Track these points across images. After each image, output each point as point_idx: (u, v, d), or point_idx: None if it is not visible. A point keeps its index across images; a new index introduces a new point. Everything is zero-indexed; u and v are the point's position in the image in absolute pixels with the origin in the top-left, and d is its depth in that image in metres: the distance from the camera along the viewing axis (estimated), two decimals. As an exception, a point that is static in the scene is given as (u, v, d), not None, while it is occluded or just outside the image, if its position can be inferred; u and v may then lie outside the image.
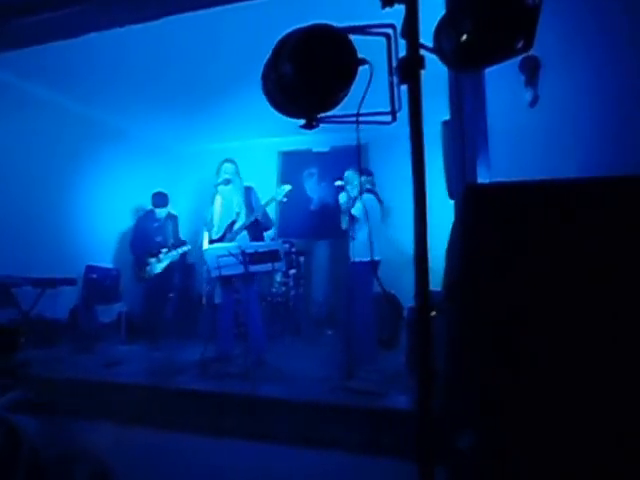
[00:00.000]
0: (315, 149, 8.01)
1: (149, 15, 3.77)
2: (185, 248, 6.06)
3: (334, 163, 7.46)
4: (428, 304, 1.36)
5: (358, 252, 4.43)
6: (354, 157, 7.74)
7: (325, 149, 7.90)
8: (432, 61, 1.54)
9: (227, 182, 4.68)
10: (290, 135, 7.94)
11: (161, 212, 6.32)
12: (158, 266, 6.00)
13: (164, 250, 6.03)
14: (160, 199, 6.34)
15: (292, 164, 8.20)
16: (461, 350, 1.43)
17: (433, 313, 3.46)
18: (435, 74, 3.12)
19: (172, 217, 6.45)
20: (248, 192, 4.83)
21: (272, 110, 1.54)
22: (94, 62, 5.24)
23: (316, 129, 5.88)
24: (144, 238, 6.24)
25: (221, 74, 5.46)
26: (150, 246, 6.12)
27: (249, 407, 3.32)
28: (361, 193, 4.67)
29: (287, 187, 4.69)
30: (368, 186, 4.81)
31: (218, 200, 4.81)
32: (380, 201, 4.79)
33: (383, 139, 6.62)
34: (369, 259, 4.40)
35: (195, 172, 8.10)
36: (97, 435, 3.15)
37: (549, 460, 1.21)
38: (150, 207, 6.41)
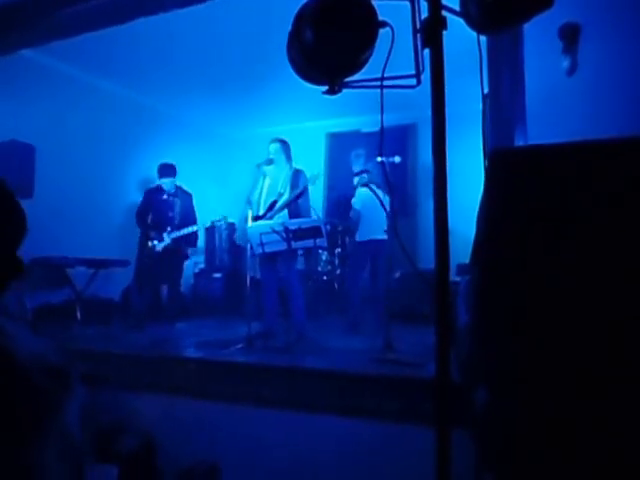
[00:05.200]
0: (364, 129, 7.97)
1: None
2: (191, 228, 5.84)
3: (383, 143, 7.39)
4: (447, 270, 1.34)
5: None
6: (403, 137, 7.68)
7: (374, 129, 7.83)
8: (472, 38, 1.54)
9: (269, 162, 4.71)
10: (338, 117, 7.94)
11: (168, 185, 6.05)
12: (159, 245, 5.80)
13: (168, 229, 5.83)
14: (166, 169, 6.06)
15: (340, 145, 8.18)
16: (481, 313, 1.43)
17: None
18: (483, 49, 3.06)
19: (184, 194, 6.19)
20: (297, 175, 4.77)
21: (320, 92, 1.56)
22: (143, 49, 5.36)
23: (365, 109, 5.83)
24: (150, 212, 5.99)
25: (268, 58, 5.47)
26: (158, 221, 5.91)
27: (290, 378, 3.39)
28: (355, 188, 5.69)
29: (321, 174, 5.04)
30: (364, 181, 5.51)
31: (267, 180, 4.85)
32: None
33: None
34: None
35: (246, 156, 8.18)
36: (145, 407, 3.28)
37: (559, 422, 1.20)
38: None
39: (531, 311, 1.28)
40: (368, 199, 5.37)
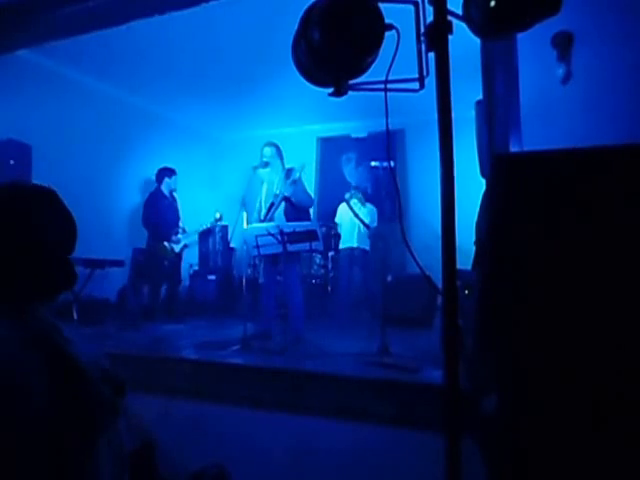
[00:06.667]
0: (354, 135, 8.05)
1: (188, 1, 3.85)
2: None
3: (372, 148, 7.46)
4: (454, 273, 1.31)
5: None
6: (390, 142, 7.72)
7: (363, 134, 7.92)
8: (471, 44, 1.55)
9: (265, 165, 4.73)
10: (329, 122, 7.99)
11: (170, 187, 6.29)
12: (178, 246, 6.06)
13: (181, 230, 6.10)
14: (169, 172, 6.28)
15: (330, 150, 8.26)
16: (487, 316, 1.43)
17: (466, 292, 3.46)
18: (471, 57, 3.07)
19: (175, 198, 6.44)
20: (288, 173, 4.79)
21: (312, 97, 1.56)
22: (139, 52, 5.39)
23: (355, 115, 5.85)
24: (163, 215, 6.10)
25: (262, 61, 5.52)
26: (171, 224, 6.09)
27: (287, 381, 3.40)
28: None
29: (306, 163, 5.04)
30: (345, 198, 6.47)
31: (264, 185, 4.88)
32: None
33: (420, 125, 6.54)
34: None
35: (239, 158, 8.18)
36: (143, 406, 3.27)
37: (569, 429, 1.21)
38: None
39: (532, 314, 1.29)
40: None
